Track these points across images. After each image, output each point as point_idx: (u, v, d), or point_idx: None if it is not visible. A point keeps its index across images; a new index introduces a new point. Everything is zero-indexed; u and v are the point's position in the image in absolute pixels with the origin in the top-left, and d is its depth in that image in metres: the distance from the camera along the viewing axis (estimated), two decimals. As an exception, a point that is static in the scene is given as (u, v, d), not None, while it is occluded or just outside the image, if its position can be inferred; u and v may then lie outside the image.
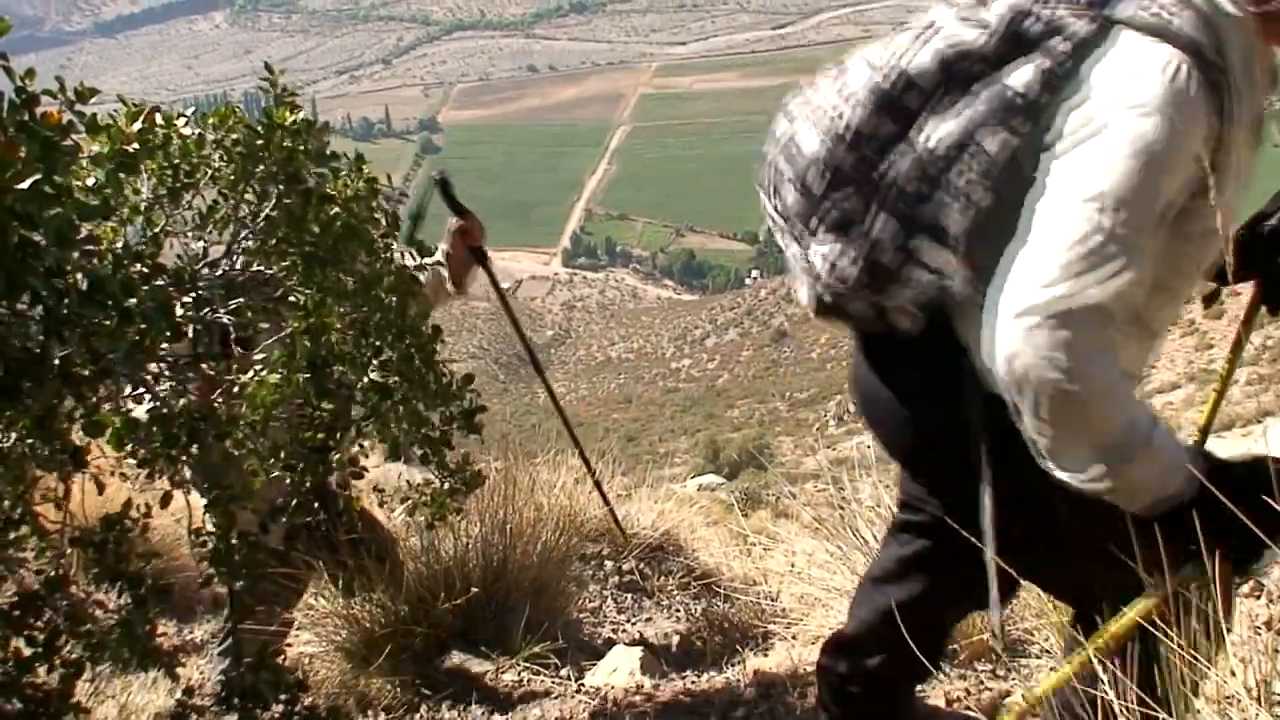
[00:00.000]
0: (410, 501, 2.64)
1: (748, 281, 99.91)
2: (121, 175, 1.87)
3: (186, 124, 2.02)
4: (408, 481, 2.62)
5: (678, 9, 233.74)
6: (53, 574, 1.87)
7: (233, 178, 2.05)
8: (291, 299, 2.08)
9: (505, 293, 3.81)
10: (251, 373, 2.05)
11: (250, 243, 2.05)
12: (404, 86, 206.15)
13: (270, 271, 2.08)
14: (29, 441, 1.61)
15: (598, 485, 4.05)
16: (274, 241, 2.05)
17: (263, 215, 2.04)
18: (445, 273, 3.36)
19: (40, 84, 1.54)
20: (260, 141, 2.02)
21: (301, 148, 2.04)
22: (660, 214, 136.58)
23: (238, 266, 2.05)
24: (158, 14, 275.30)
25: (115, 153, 1.84)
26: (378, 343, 2.20)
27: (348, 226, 2.09)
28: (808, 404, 47.95)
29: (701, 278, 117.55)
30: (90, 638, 1.90)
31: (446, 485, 2.56)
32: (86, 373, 1.59)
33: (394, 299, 2.21)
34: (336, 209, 2.09)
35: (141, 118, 1.89)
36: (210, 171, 2.05)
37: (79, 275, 1.55)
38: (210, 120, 2.05)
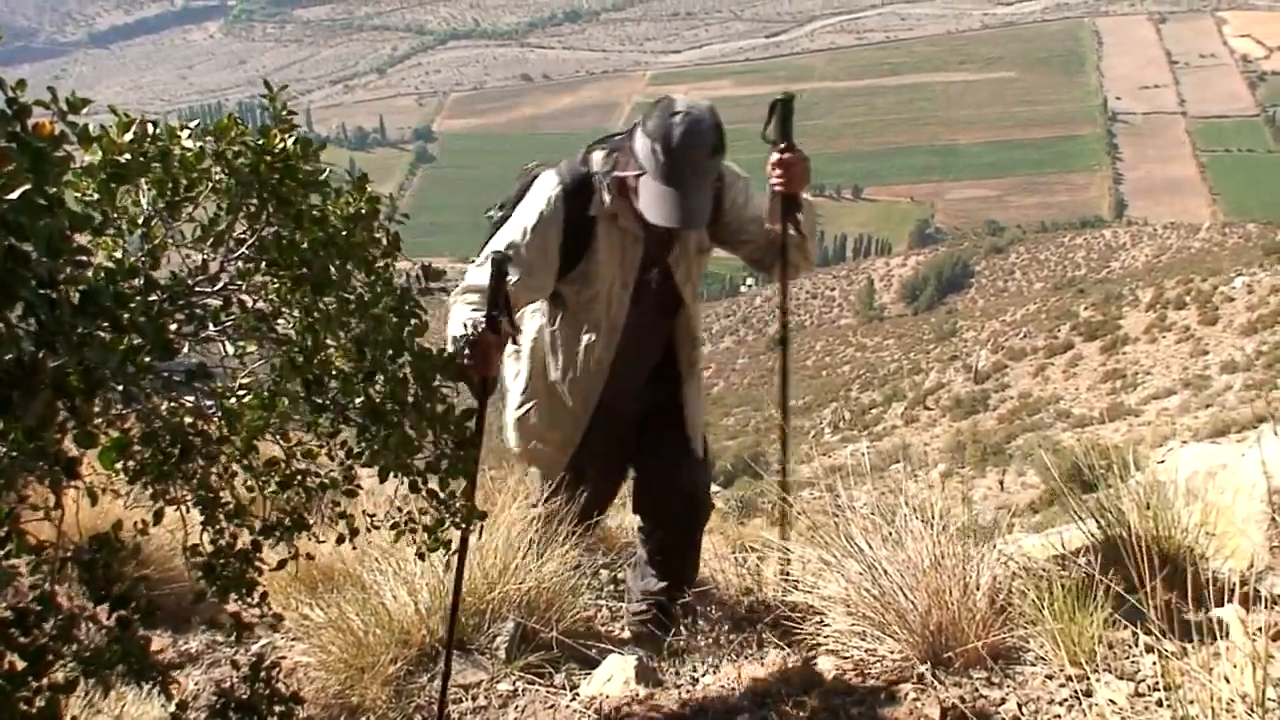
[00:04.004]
0: (400, 528, 2.56)
1: (743, 289, 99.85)
2: (114, 186, 1.87)
3: (189, 136, 2.00)
4: (399, 508, 2.58)
5: (671, 17, 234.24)
6: (46, 588, 1.86)
7: (231, 191, 2.04)
8: (281, 322, 2.07)
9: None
10: (235, 398, 2.05)
11: (241, 263, 2.04)
12: (398, 96, 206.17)
13: (257, 295, 2.06)
14: (16, 455, 1.60)
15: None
16: (265, 263, 2.04)
17: (255, 236, 2.03)
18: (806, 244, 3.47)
19: (35, 95, 1.54)
20: (253, 163, 2.00)
21: (294, 174, 2.02)
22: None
23: (232, 284, 2.04)
24: (151, 24, 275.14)
25: (107, 163, 1.84)
26: (371, 366, 2.18)
27: (341, 249, 2.07)
28: (803, 412, 47.97)
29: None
30: (84, 652, 1.90)
31: (444, 518, 2.49)
32: (79, 384, 1.59)
33: (392, 318, 2.19)
34: (331, 230, 2.07)
35: (133, 129, 1.89)
36: (211, 185, 2.04)
37: (71, 287, 1.55)
38: (211, 134, 2.04)
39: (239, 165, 1.99)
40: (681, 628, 3.46)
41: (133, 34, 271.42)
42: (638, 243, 3.34)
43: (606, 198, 3.26)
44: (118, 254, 1.91)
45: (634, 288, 3.39)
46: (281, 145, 2.01)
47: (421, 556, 2.58)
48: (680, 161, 3.05)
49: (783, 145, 3.36)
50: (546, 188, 3.29)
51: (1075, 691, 2.58)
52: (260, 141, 2.01)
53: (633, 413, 3.65)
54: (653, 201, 3.10)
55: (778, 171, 3.36)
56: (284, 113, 2.09)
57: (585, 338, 3.43)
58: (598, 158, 3.31)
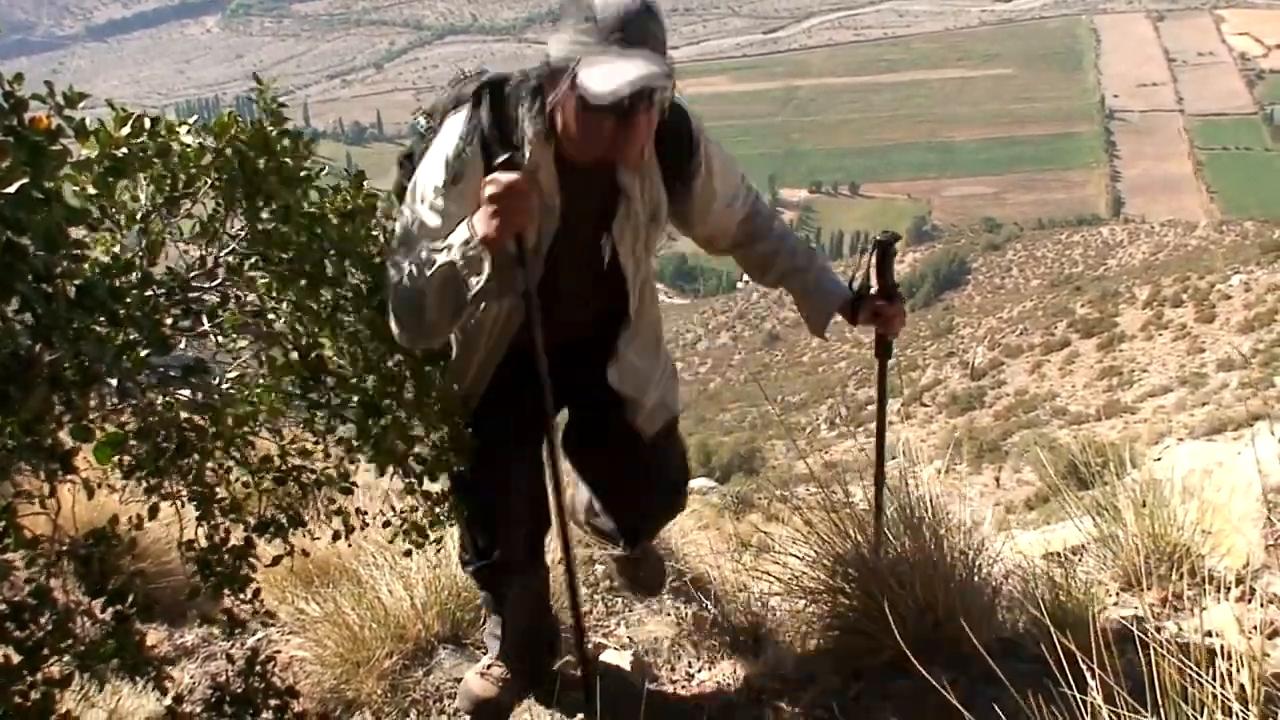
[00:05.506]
0: (391, 527, 2.60)
1: (739, 285, 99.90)
2: (111, 180, 1.87)
3: (189, 132, 1.98)
4: (392, 506, 2.58)
5: (669, 13, 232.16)
6: (41, 581, 1.86)
7: (226, 187, 2.04)
8: (270, 317, 2.07)
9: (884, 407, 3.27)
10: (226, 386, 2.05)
11: (232, 259, 2.04)
12: (396, 91, 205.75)
13: (249, 290, 2.07)
14: (14, 446, 1.60)
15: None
16: (254, 259, 2.04)
17: (245, 231, 2.03)
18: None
19: (32, 89, 1.54)
20: (242, 156, 1.99)
21: (281, 170, 2.01)
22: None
23: (229, 280, 2.04)
24: (149, 18, 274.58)
25: (104, 157, 1.84)
26: (372, 358, 2.18)
27: (336, 244, 2.07)
28: (799, 407, 48.00)
29: (693, 282, 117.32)
30: (79, 646, 1.90)
31: (426, 515, 2.51)
32: (75, 378, 1.59)
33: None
34: (320, 229, 2.07)
35: (130, 123, 1.88)
36: (209, 180, 2.04)
37: (68, 281, 1.55)
38: (212, 128, 2.02)
39: (226, 159, 1.99)
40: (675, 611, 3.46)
41: (130, 28, 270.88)
42: (553, 211, 2.52)
43: (527, 149, 2.44)
44: (115, 249, 1.91)
45: (552, 251, 2.57)
46: (259, 136, 1.99)
47: (407, 554, 2.60)
48: (617, 18, 2.38)
49: (884, 292, 3.00)
50: (454, 134, 2.46)
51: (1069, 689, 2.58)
52: (244, 136, 2.00)
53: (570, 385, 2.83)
54: (601, 78, 2.29)
55: (878, 319, 2.99)
56: (274, 105, 2.08)
57: (495, 306, 2.57)
58: (516, 101, 2.50)
